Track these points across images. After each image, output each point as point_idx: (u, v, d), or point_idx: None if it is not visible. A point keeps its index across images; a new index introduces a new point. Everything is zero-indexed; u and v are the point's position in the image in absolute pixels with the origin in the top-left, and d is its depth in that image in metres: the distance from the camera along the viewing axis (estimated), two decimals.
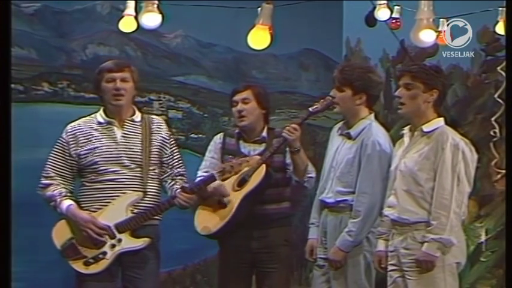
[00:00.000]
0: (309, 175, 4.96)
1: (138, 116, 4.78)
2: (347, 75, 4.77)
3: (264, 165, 4.86)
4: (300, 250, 5.05)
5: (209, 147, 5.17)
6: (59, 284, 5.61)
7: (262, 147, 5.01)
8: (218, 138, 5.16)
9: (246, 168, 4.81)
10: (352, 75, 4.77)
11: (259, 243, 4.97)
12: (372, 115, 4.85)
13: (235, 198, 4.89)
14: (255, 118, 5.01)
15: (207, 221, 4.92)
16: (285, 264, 5.06)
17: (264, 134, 5.04)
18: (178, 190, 4.67)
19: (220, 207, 4.91)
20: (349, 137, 4.82)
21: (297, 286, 7.02)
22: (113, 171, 4.65)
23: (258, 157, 4.89)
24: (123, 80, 4.69)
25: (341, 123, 4.93)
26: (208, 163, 5.08)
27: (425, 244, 4.35)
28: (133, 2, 5.82)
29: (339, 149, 4.86)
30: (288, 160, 4.96)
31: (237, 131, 5.10)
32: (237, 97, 5.02)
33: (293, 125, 4.84)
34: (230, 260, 5.01)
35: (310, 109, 4.90)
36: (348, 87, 4.76)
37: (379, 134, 4.79)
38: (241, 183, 4.89)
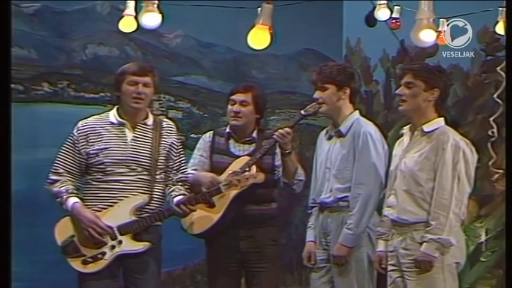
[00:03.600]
0: (298, 178, 4.97)
1: (150, 120, 4.75)
2: (328, 72, 4.85)
3: (254, 167, 4.86)
4: (300, 250, 5.05)
5: (198, 145, 5.15)
6: (59, 284, 5.60)
7: (252, 147, 5.01)
8: (207, 136, 5.15)
9: (251, 182, 4.78)
10: (332, 72, 4.85)
11: (247, 243, 4.96)
12: (357, 112, 4.91)
13: (224, 198, 4.88)
14: (248, 121, 5.01)
15: (195, 220, 4.91)
16: (274, 264, 5.04)
17: (254, 135, 5.05)
18: (182, 200, 4.67)
19: (209, 206, 4.90)
20: (339, 134, 4.86)
21: (297, 286, 7.02)
22: (119, 173, 4.63)
23: (263, 174, 4.86)
24: (145, 85, 4.65)
25: (326, 128, 4.98)
26: (197, 161, 5.07)
27: (424, 244, 4.34)
28: (133, 2, 5.82)
29: (330, 150, 4.89)
30: (277, 162, 4.97)
31: (227, 130, 5.09)
32: (235, 97, 5.00)
33: (286, 129, 4.84)
34: (219, 260, 4.99)
35: (302, 112, 4.91)
36: (331, 83, 4.83)
37: (368, 125, 4.86)
38: None
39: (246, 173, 4.78)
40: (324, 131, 5.00)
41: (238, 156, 4.93)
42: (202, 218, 4.89)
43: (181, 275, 6.74)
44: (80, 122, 4.73)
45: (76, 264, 4.60)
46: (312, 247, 4.93)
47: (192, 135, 6.80)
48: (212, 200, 4.86)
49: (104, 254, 4.59)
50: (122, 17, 5.90)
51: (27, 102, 6.11)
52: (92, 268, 4.58)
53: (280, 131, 4.84)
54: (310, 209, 5.00)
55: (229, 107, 5.01)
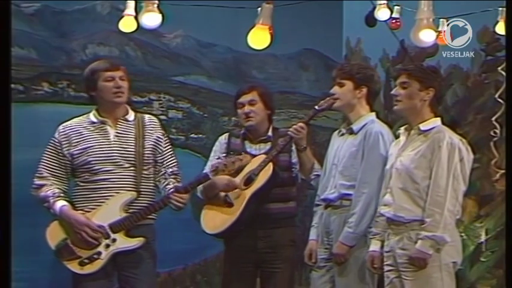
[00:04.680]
0: (316, 173, 4.99)
1: (131, 115, 4.78)
2: (347, 69, 4.91)
3: (271, 164, 4.88)
4: (300, 250, 5.05)
5: (214, 148, 5.17)
6: (59, 284, 5.61)
7: (268, 146, 5.03)
8: (223, 138, 5.17)
9: (238, 166, 4.80)
10: (352, 69, 4.90)
11: (264, 243, 4.97)
12: (373, 114, 4.90)
13: (242, 197, 4.89)
14: (261, 119, 5.03)
15: (214, 220, 4.92)
16: (290, 264, 5.05)
17: (270, 133, 5.06)
18: (171, 190, 4.66)
19: (227, 206, 4.91)
20: (351, 132, 4.87)
21: (297, 286, 7.01)
22: (107, 171, 4.64)
23: (250, 156, 4.89)
24: (121, 78, 4.71)
25: (341, 126, 4.97)
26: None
27: (419, 241, 4.35)
28: (133, 2, 5.82)
29: (339, 147, 4.89)
30: (294, 159, 4.99)
31: (242, 131, 5.11)
32: (242, 99, 5.02)
33: (300, 124, 4.88)
34: (235, 260, 5.00)
35: (316, 107, 4.93)
36: (349, 80, 4.85)
37: (381, 127, 4.85)
38: (248, 182, 4.91)
39: (232, 157, 4.78)
40: (337, 131, 5.01)
41: (254, 156, 4.94)
42: (220, 218, 4.89)
43: (181, 275, 6.73)
44: (61, 125, 4.76)
45: (73, 266, 4.59)
46: (314, 246, 4.94)
47: (192, 135, 6.79)
48: (230, 199, 4.87)
49: (99, 253, 4.59)
50: (122, 17, 5.90)
51: (27, 102, 6.11)
52: (89, 269, 4.57)
53: (294, 126, 4.89)
54: (316, 207, 4.99)
55: (239, 110, 5.04)
